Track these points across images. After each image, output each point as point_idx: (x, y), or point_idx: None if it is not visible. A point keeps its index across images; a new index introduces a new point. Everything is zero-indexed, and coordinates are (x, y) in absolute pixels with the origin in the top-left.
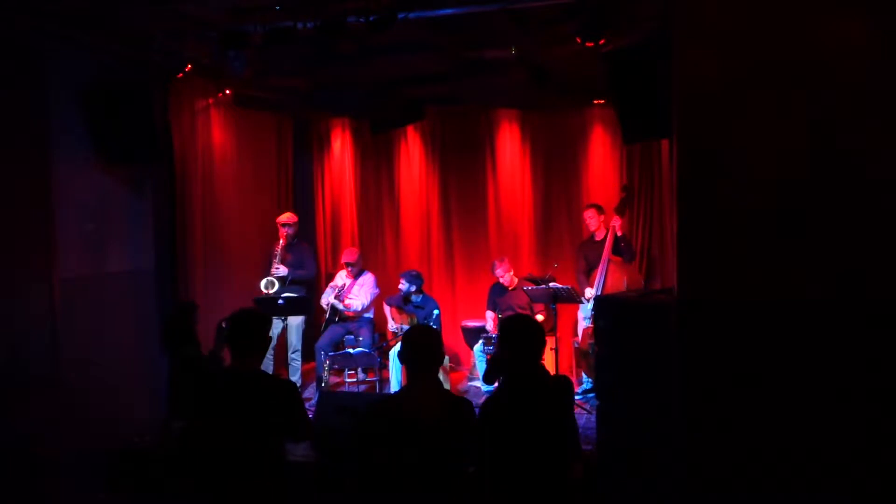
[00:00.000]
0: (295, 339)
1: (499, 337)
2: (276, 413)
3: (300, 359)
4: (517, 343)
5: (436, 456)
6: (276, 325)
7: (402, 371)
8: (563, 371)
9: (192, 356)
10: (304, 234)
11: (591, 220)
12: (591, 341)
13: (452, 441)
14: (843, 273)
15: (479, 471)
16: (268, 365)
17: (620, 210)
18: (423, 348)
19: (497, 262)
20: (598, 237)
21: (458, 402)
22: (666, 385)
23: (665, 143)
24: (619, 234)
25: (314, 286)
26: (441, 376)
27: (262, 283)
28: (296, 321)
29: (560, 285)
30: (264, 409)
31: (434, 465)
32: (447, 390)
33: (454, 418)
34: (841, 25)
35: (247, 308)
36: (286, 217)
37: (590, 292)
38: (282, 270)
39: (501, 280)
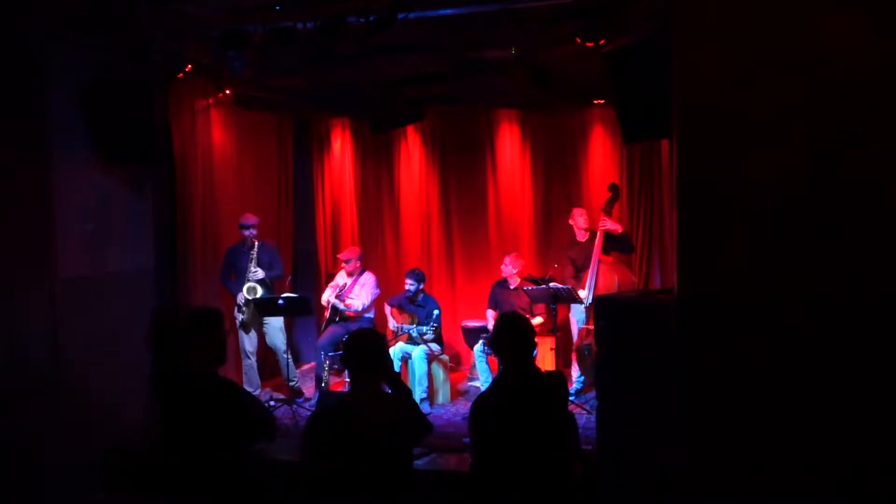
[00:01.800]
0: (279, 342)
1: (492, 335)
2: (217, 415)
3: (288, 358)
4: (510, 340)
5: (385, 457)
6: (252, 335)
7: (400, 366)
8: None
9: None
10: (305, 234)
11: (581, 217)
12: (588, 341)
13: (400, 442)
14: (843, 273)
15: (474, 470)
16: (252, 372)
17: (608, 209)
18: (366, 351)
19: (514, 255)
20: (581, 238)
21: (402, 403)
22: (666, 385)
23: (665, 143)
24: (618, 232)
25: (313, 287)
26: (442, 375)
27: (244, 290)
28: (276, 324)
29: (560, 285)
30: (205, 410)
31: (384, 466)
32: (388, 392)
33: (400, 420)
34: (841, 25)
35: (198, 306)
36: (250, 218)
37: (581, 294)
38: (259, 273)
39: (504, 272)
